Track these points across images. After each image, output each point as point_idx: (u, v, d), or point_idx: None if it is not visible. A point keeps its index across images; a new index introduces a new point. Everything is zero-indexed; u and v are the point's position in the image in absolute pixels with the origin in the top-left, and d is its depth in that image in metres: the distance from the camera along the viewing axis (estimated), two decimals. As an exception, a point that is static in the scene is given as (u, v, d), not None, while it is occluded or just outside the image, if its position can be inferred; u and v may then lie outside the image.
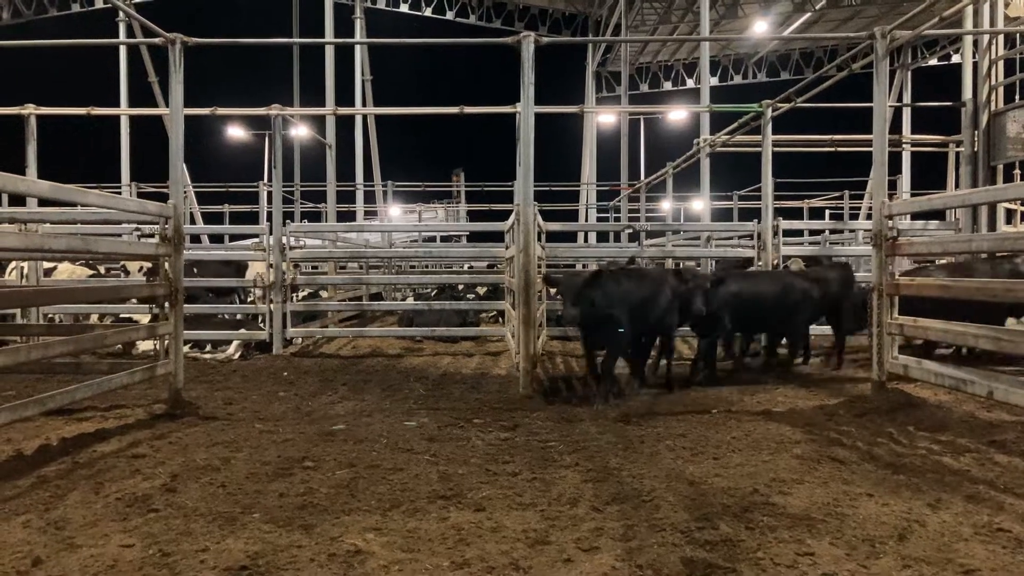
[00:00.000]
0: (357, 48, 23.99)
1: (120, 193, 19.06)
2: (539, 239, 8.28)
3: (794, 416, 6.36)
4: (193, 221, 20.57)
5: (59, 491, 4.33)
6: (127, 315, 10.60)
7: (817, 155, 16.15)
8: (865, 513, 3.91)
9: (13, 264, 10.27)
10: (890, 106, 11.58)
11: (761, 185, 11.01)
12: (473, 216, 26.57)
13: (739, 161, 15.88)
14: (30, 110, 11.17)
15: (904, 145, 17.60)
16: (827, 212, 22.35)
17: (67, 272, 11.33)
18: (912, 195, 18.66)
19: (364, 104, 24.60)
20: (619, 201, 23.82)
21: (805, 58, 33.66)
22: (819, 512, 3.92)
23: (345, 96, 23.41)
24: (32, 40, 9.27)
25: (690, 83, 34.42)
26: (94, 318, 10.75)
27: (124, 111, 18.95)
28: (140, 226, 10.08)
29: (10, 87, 17.59)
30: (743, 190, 21.53)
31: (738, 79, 34.33)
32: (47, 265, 10.37)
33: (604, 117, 28.52)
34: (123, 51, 20.56)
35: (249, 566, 3.26)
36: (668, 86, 35.24)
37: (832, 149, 15.17)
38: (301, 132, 22.44)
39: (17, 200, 13.67)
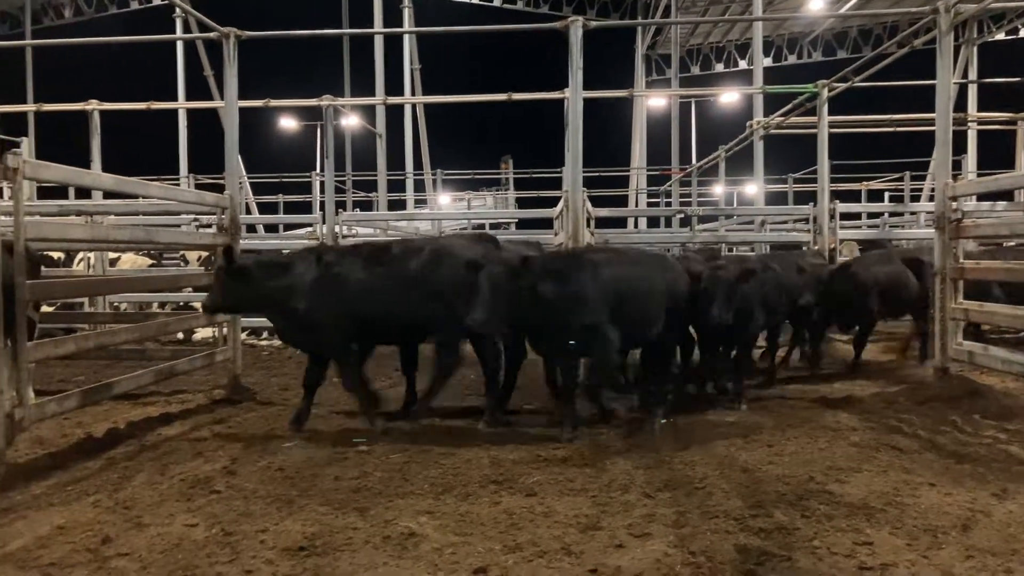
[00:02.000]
0: (406, 38, 24.12)
1: (179, 185, 19.60)
2: (588, 225, 8.22)
3: (851, 403, 6.21)
4: (248, 211, 21.01)
5: (127, 472, 4.51)
6: (187, 303, 10.92)
7: (876, 136, 15.64)
8: (927, 503, 3.81)
9: (81, 255, 10.66)
10: (954, 83, 11.15)
11: (817, 167, 10.72)
12: (522, 203, 26.51)
13: (794, 143, 15.47)
14: (94, 106, 11.55)
15: (969, 124, 16.93)
16: (886, 194, 21.65)
17: (130, 262, 11.70)
18: (978, 175, 17.95)
19: (413, 93, 24.74)
20: (670, 186, 23.48)
21: (863, 36, 32.57)
22: (878, 501, 3.83)
23: (394, 85, 23.56)
24: (93, 37, 9.57)
25: (742, 64, 33.64)
26: (155, 307, 11.11)
27: (181, 105, 19.45)
28: (198, 217, 10.35)
29: (74, 84, 18.22)
30: (798, 173, 21.02)
31: (792, 59, 33.41)
32: (112, 255, 10.72)
33: (654, 101, 28.11)
34: (180, 46, 21.06)
35: (307, 546, 3.34)
36: (720, 68, 34.51)
37: (892, 129, 14.67)
38: (352, 122, 22.70)
39: (83, 193, 14.17)
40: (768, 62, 30.79)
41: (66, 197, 14.55)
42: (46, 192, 13.93)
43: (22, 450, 4.91)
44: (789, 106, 11.77)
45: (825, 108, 10.33)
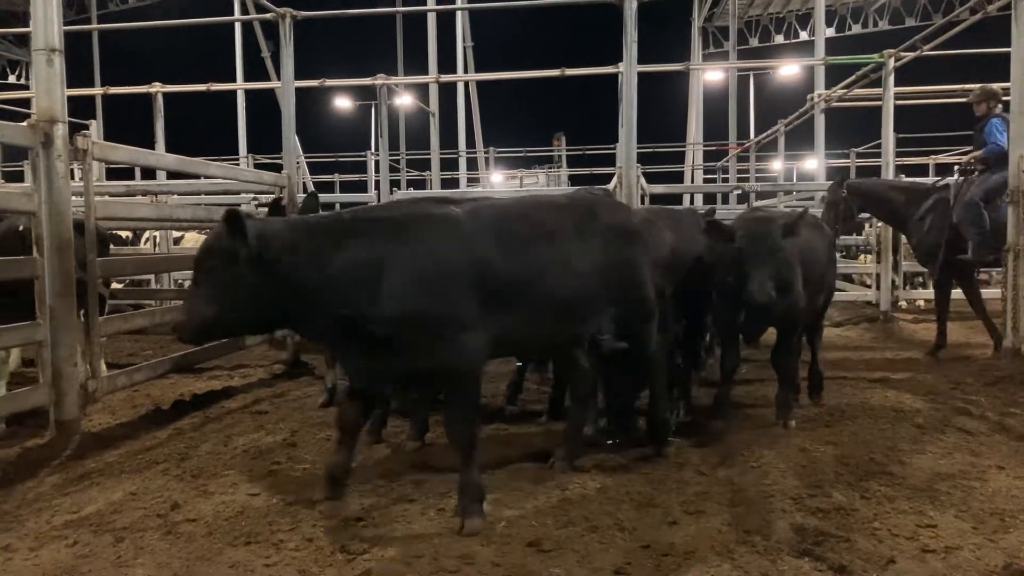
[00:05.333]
0: (458, 15, 24.05)
1: (238, 165, 20.04)
2: (642, 202, 8.12)
3: (915, 384, 6.03)
4: (305, 190, 21.36)
5: (192, 443, 4.68)
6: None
7: (945, 107, 14.98)
8: (995, 486, 3.69)
9: (147, 234, 11.02)
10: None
11: (881, 141, 10.36)
12: (574, 180, 26.30)
13: (857, 116, 14.95)
14: (157, 88, 11.88)
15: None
16: (955, 168, 20.79)
17: (193, 241, 12.03)
18: (1055, 148, 17.06)
19: (466, 71, 24.72)
20: (727, 161, 23.00)
21: (933, 3, 31.15)
22: (943, 484, 3.73)
23: (447, 64, 23.56)
24: (155, 21, 9.82)
25: (803, 35, 32.55)
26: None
27: (240, 85, 19.80)
28: (257, 196, 10.58)
29: (138, 67, 18.75)
30: (861, 147, 20.33)
31: (857, 28, 32.17)
32: (175, 234, 11.06)
33: (711, 74, 27.44)
34: (238, 28, 21.40)
35: (364, 517, 3.42)
36: (780, 39, 33.46)
37: (963, 100, 14.05)
38: (405, 101, 22.80)
39: (148, 173, 14.62)
40: (831, 32, 29.70)
41: (132, 178, 15.06)
42: (113, 173, 14.44)
43: (95, 420, 5.14)
44: (852, 77, 11.38)
45: (891, 79, 9.97)
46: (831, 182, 8.25)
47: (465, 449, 3.40)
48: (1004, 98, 7.20)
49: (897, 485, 3.72)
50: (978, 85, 7.76)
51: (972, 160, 7.29)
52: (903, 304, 10.52)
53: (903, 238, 8.87)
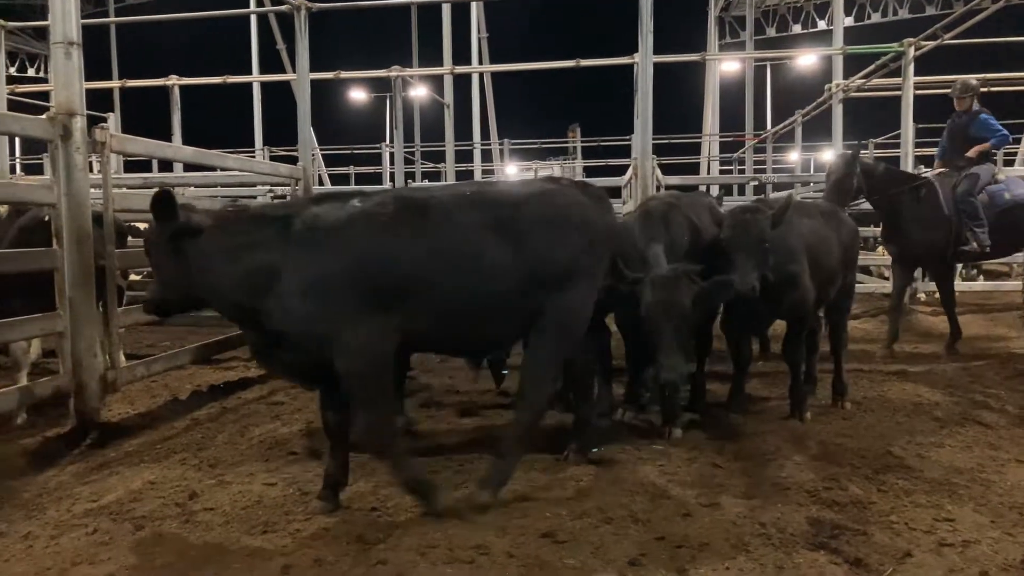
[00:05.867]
0: (473, 6, 23.98)
1: (254, 157, 20.13)
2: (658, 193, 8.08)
3: (933, 377, 5.98)
4: (321, 182, 21.42)
5: (210, 433, 4.73)
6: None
7: (966, 97, 14.80)
8: (1014, 480, 3.66)
9: (164, 226, 11.09)
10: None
11: (901, 132, 10.24)
12: (589, 172, 26.23)
13: (876, 106, 14.79)
14: (174, 81, 11.96)
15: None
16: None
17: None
18: (1078, 138, 16.79)
19: (480, 62, 24.66)
20: (743, 153, 22.84)
21: (954, -10, 30.71)
22: (961, 477, 3.70)
23: (462, 55, 23.50)
24: (170, 14, 9.86)
25: (821, 25, 32.16)
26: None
27: (255, 78, 19.87)
28: (273, 188, 10.63)
29: (154, 60, 18.85)
30: (880, 138, 20.10)
31: (876, 17, 31.74)
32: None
33: (727, 65, 27.23)
34: (253, 20, 21.47)
35: (378, 507, 3.45)
36: (797, 29, 33.08)
37: (986, 90, 13.85)
38: (420, 93, 22.77)
39: (165, 166, 14.71)
40: (849, 21, 29.33)
41: (149, 170, 15.16)
42: (131, 166, 14.55)
43: (115, 410, 5.20)
44: (872, 67, 11.23)
45: (911, 68, 9.84)
46: (836, 157, 7.67)
47: (385, 451, 3.40)
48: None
49: (915, 478, 3.70)
50: (958, 78, 7.66)
51: (983, 152, 7.18)
52: (921, 296, 10.41)
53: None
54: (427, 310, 3.35)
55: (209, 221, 3.40)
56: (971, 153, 7.19)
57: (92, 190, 4.70)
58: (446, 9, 22.90)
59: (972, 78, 7.80)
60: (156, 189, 3.42)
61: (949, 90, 7.77)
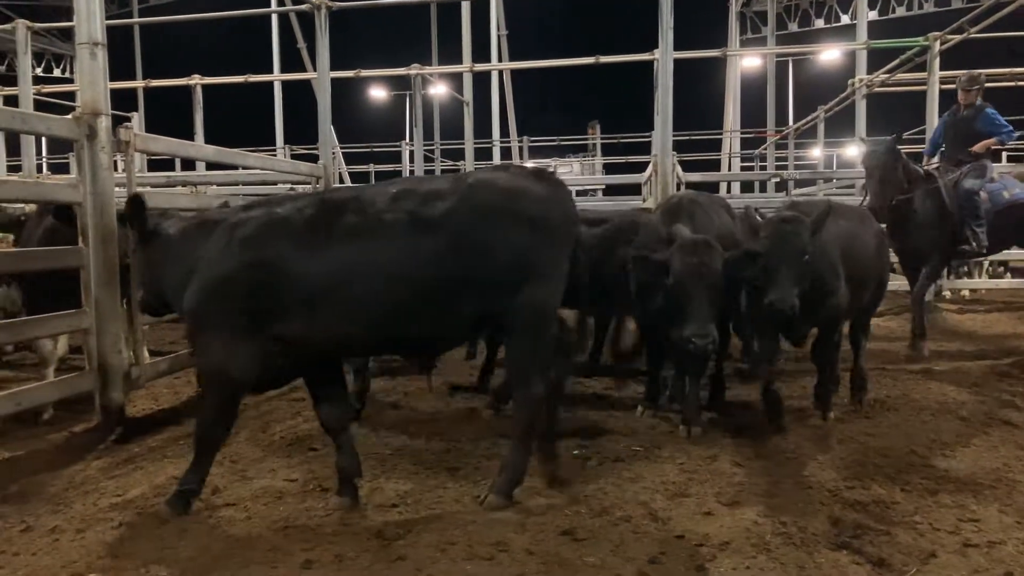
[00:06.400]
0: (492, 3, 23.97)
1: (275, 155, 20.29)
2: (678, 190, 8.04)
3: (959, 375, 5.90)
4: (342, 180, 21.52)
5: (232, 430, 4.76)
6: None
7: (993, 92, 14.53)
8: (1041, 480, 3.60)
9: (187, 224, 11.22)
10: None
11: (926, 127, 10.10)
12: (609, 169, 26.16)
13: (900, 102, 14.58)
14: (196, 80, 12.08)
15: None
16: (1004, 155, 20.16)
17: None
18: (1109, 132, 16.47)
19: (499, 59, 24.64)
20: (765, 149, 22.65)
21: (981, -18, 30.19)
22: (986, 477, 3.65)
23: (481, 53, 23.50)
24: (192, 15, 9.96)
25: (845, 19, 31.77)
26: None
27: (276, 77, 20.03)
28: (294, 186, 10.70)
29: (177, 60, 19.04)
30: (905, 133, 19.86)
31: (901, 11, 31.30)
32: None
33: (748, 60, 27.00)
34: (274, 20, 21.62)
35: (398, 503, 3.46)
36: (820, 24, 32.71)
37: (1012, 84, 13.64)
38: (439, 91, 22.84)
39: (188, 164, 14.86)
40: (873, 15, 28.97)
41: (172, 168, 15.33)
42: (154, 164, 14.72)
43: (139, 406, 5.27)
44: (896, 61, 11.11)
45: (936, 62, 9.70)
46: (874, 148, 7.08)
47: (197, 449, 3.44)
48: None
49: (939, 478, 3.65)
50: (964, 72, 7.47)
51: (991, 147, 7.04)
52: (947, 294, 10.28)
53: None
54: (335, 314, 3.23)
55: (174, 226, 3.59)
56: (979, 148, 7.03)
57: (116, 189, 4.76)
58: (465, 7, 22.90)
59: (983, 72, 7.57)
60: (134, 194, 3.66)
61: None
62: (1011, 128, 7.11)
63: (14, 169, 12.19)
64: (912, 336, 6.88)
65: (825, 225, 4.33)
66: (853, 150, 16.63)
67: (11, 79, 13.54)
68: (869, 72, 13.98)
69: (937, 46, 9.63)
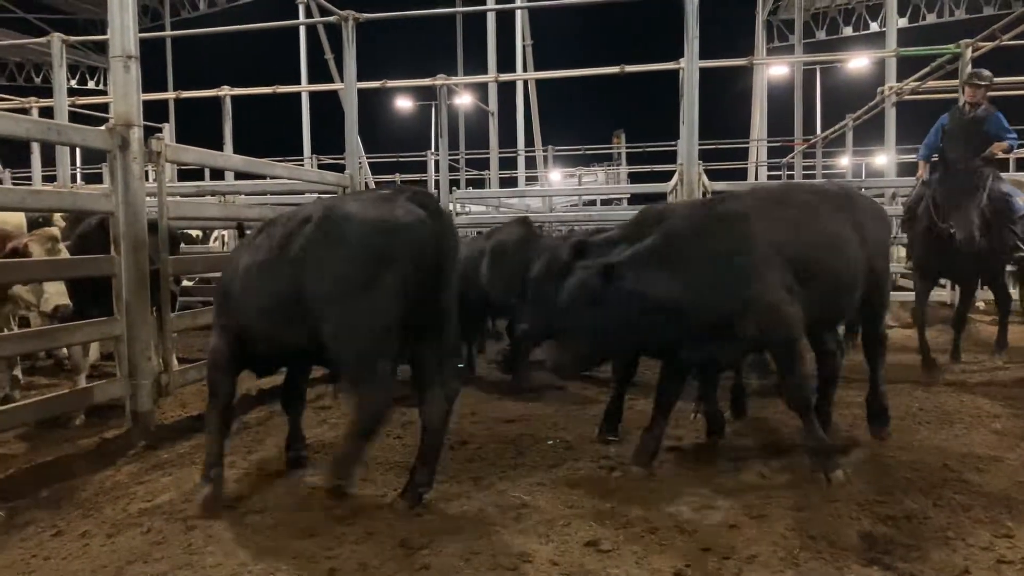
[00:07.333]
0: (518, 14, 24.08)
1: (302, 165, 20.52)
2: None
3: (992, 388, 5.78)
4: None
5: (258, 436, 4.82)
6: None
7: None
8: (1078, 496, 3.51)
9: (216, 233, 11.38)
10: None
11: (956, 135, 9.94)
12: (634, 178, 26.09)
13: (931, 110, 14.40)
14: (226, 91, 12.26)
15: None
16: (1010, 161, 19.76)
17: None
18: None
19: (525, 69, 24.73)
20: (792, 157, 22.46)
21: (1013, -11, 29.73)
22: (1022, 493, 3.56)
23: (506, 63, 23.60)
24: (221, 27, 10.13)
25: (874, 27, 31.45)
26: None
27: (304, 88, 20.27)
28: (320, 196, 10.81)
29: (207, 71, 19.35)
30: (935, 142, 19.55)
31: (932, 18, 30.92)
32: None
33: (775, 69, 26.81)
34: (302, 31, 21.91)
35: (423, 512, 3.46)
36: (848, 32, 32.41)
37: (1043, 91, 13.40)
38: (465, 101, 22.97)
39: (217, 174, 15.08)
40: (903, 23, 28.65)
41: (202, 178, 15.56)
42: (184, 174, 14.95)
43: (168, 412, 5.33)
44: (926, 69, 10.97)
45: (968, 70, 9.55)
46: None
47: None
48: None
49: (973, 493, 3.57)
50: (985, 71, 7.05)
51: (998, 153, 6.74)
52: (981, 305, 10.08)
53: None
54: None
55: None
56: (995, 151, 6.58)
57: (147, 198, 4.84)
58: (491, 17, 23.06)
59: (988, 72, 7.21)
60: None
61: (998, 91, 7.34)
62: (1015, 134, 6.82)
63: (48, 179, 12.46)
64: (954, 347, 6.83)
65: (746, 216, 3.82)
66: (883, 158, 16.42)
67: (47, 91, 13.86)
68: (898, 80, 13.82)
69: (969, 53, 9.49)
